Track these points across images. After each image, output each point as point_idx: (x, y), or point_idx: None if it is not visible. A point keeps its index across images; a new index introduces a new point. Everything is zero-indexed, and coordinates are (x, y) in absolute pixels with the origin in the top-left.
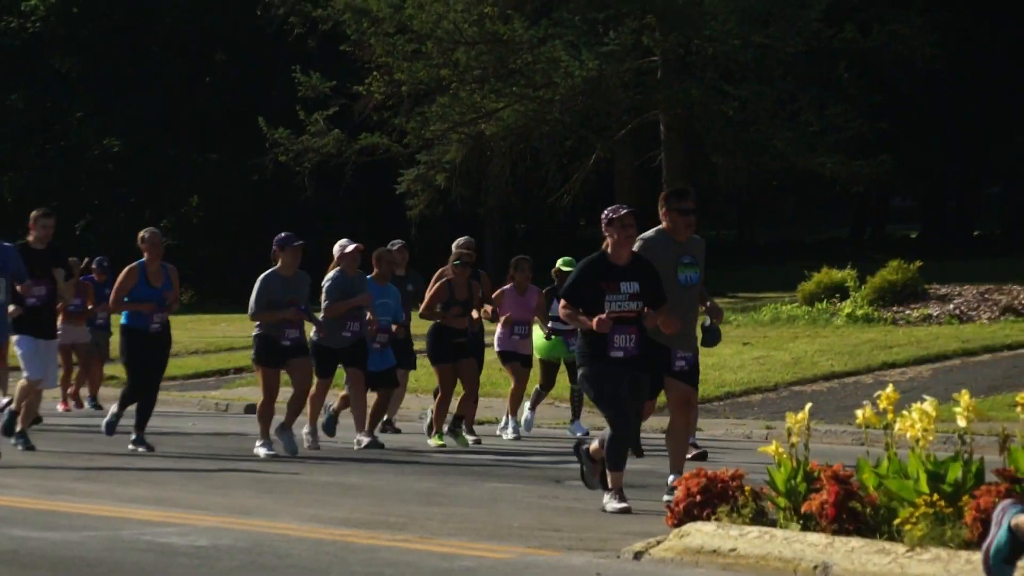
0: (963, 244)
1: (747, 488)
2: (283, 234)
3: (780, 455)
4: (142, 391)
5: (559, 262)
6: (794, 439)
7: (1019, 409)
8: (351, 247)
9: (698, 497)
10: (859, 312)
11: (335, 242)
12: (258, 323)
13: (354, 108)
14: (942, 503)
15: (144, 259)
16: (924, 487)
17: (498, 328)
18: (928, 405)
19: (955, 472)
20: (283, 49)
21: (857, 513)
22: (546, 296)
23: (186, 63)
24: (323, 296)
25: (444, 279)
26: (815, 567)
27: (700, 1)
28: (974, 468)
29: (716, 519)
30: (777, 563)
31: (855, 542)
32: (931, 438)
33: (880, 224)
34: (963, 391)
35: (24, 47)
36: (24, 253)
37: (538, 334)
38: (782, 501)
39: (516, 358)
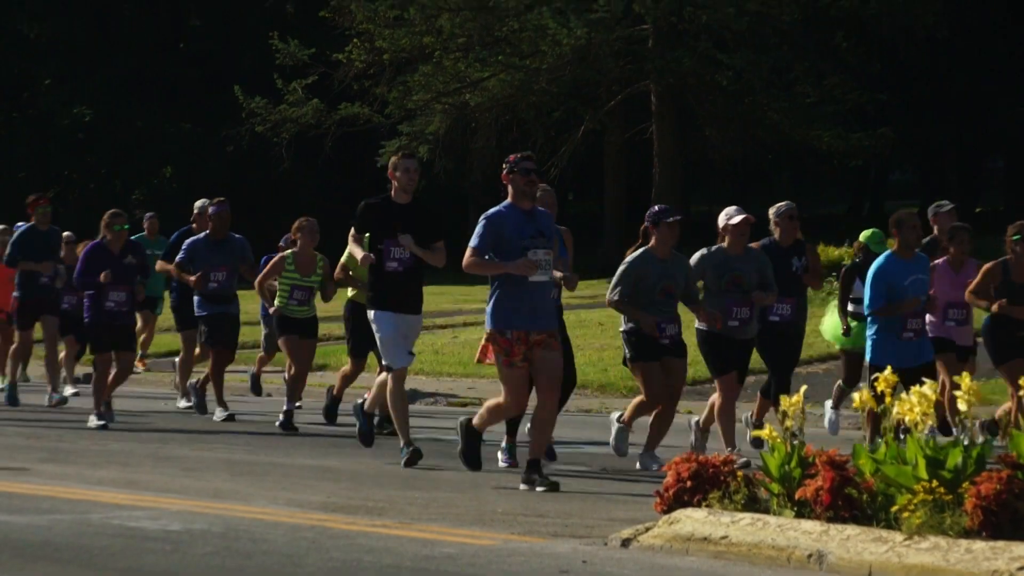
0: (965, 220)
1: (739, 473)
2: (658, 207)
3: (774, 439)
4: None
5: (863, 236)
6: (788, 423)
7: (1022, 393)
8: (738, 218)
9: (688, 483)
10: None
11: (312, 216)
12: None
13: (334, 77)
14: (941, 490)
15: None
16: (923, 473)
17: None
18: (928, 388)
19: (955, 458)
20: (260, 14)
21: (853, 500)
22: (846, 276)
23: (159, 28)
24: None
25: (1000, 259)
26: (809, 555)
27: None
28: (975, 454)
29: (707, 505)
30: (770, 551)
31: (851, 530)
32: (930, 422)
33: (879, 199)
34: (964, 374)
35: None
36: (388, 207)
37: (834, 322)
38: (775, 487)
39: (951, 348)
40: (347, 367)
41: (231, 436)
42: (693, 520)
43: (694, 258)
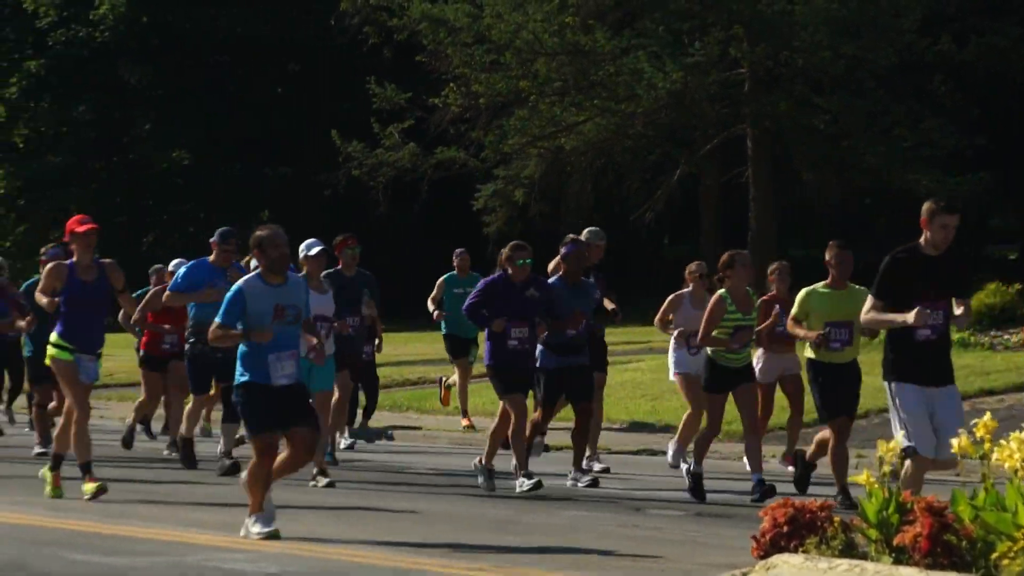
0: None
1: (836, 519)
2: None
3: (871, 485)
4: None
5: None
6: (886, 468)
7: None
8: None
9: (785, 528)
10: (955, 337)
11: (409, 260)
12: None
13: (430, 121)
14: None
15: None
16: (1023, 520)
17: None
18: None
19: None
20: (357, 60)
21: (952, 547)
22: None
23: (257, 74)
24: None
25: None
26: None
27: (789, 11)
28: None
29: (804, 551)
30: None
31: None
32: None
33: (978, 244)
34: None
35: (92, 57)
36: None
37: None
38: (873, 533)
39: None
40: (823, 433)
41: None
42: (790, 566)
43: None
